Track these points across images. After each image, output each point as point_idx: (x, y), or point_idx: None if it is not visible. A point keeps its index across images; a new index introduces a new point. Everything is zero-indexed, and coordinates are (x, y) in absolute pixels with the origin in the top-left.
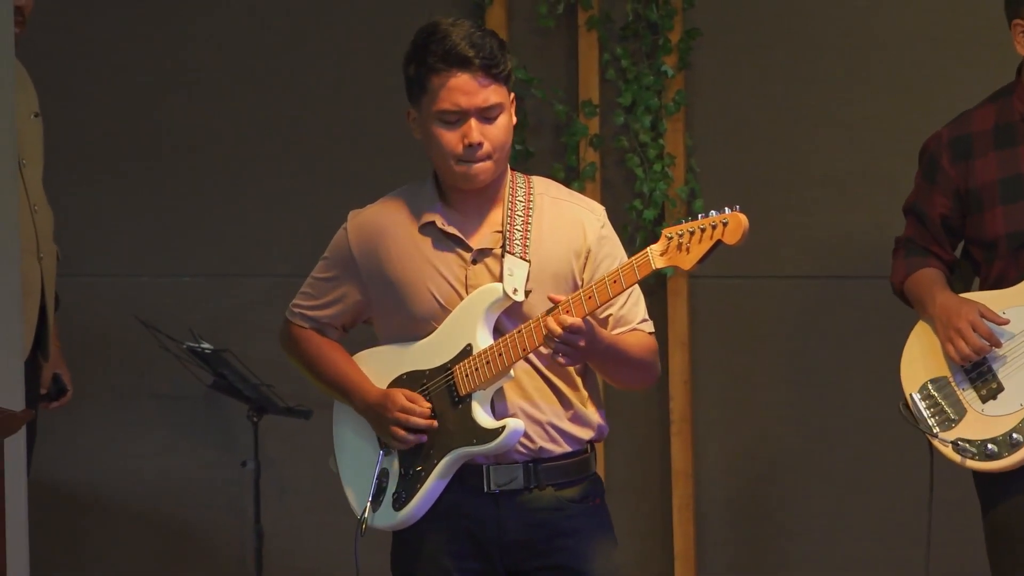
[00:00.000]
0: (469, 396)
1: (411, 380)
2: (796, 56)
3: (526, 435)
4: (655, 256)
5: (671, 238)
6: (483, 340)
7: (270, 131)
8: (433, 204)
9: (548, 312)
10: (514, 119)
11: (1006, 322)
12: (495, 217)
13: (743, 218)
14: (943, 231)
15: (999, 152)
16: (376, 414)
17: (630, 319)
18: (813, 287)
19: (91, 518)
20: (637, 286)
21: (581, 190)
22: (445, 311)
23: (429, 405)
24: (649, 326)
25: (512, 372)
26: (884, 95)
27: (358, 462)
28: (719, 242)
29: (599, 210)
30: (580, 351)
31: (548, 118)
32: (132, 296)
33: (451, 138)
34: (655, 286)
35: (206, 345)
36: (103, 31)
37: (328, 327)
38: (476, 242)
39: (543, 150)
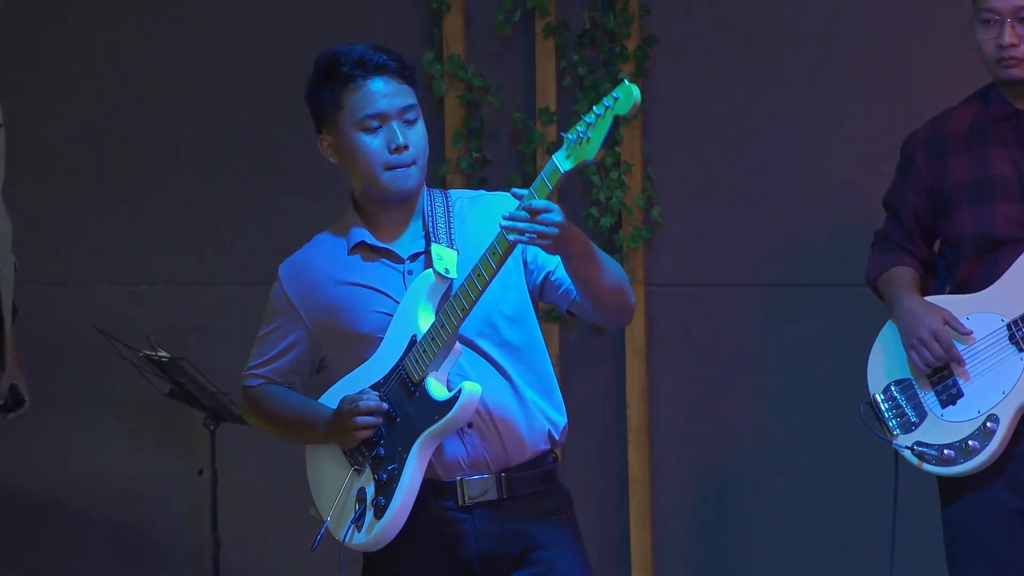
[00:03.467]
0: (422, 380)
1: None
2: (753, 64)
3: (487, 427)
4: (561, 161)
5: (572, 138)
6: (425, 325)
7: (229, 140)
8: (357, 227)
9: (507, 215)
10: None
11: (968, 332)
12: (417, 226)
13: (634, 88)
14: (916, 228)
15: (970, 153)
16: (335, 429)
17: None
18: (771, 295)
19: (49, 526)
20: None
21: None
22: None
23: (376, 395)
24: None
25: (458, 345)
26: (843, 102)
27: (336, 498)
28: (615, 118)
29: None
30: (561, 229)
31: (505, 125)
32: (90, 304)
33: (376, 146)
34: None
35: (163, 353)
36: (63, 37)
37: (285, 380)
38: (405, 251)
39: (500, 158)
